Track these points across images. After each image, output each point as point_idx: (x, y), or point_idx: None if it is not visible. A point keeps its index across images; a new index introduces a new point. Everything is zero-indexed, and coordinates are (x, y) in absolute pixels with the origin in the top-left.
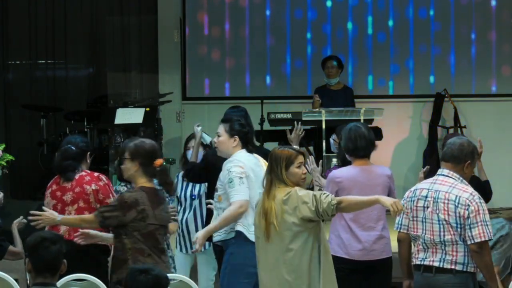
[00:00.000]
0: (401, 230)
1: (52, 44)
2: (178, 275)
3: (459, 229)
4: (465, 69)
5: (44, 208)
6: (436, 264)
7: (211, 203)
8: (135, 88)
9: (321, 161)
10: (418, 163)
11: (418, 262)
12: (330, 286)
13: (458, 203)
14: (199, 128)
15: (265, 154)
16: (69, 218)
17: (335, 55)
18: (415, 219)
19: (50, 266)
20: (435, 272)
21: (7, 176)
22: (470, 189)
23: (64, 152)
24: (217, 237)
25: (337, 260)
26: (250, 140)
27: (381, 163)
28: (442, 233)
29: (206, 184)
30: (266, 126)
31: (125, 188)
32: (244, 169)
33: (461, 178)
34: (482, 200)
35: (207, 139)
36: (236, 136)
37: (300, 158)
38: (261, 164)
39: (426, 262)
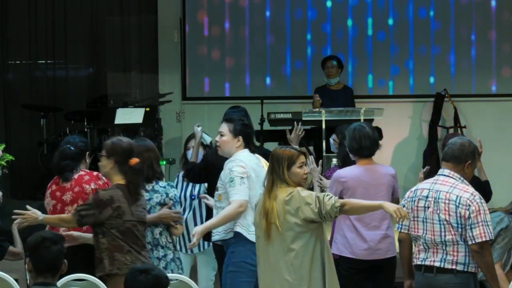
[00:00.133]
0: (402, 230)
1: (52, 44)
2: (178, 275)
3: (460, 229)
4: (465, 69)
5: (27, 207)
6: (437, 264)
7: (207, 198)
8: (135, 88)
9: (320, 161)
10: (418, 163)
11: (419, 262)
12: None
13: (459, 203)
14: (199, 128)
15: (264, 154)
16: (50, 217)
17: (335, 55)
18: (416, 219)
19: (50, 266)
20: (436, 272)
21: (7, 176)
22: (471, 189)
23: (62, 152)
24: (216, 237)
25: (342, 260)
26: (252, 139)
27: (381, 163)
28: (443, 233)
29: (206, 184)
30: (266, 126)
31: None
32: (245, 169)
33: (462, 178)
34: (483, 200)
35: (207, 139)
36: (240, 137)
37: (302, 158)
38: (262, 165)
39: (427, 262)
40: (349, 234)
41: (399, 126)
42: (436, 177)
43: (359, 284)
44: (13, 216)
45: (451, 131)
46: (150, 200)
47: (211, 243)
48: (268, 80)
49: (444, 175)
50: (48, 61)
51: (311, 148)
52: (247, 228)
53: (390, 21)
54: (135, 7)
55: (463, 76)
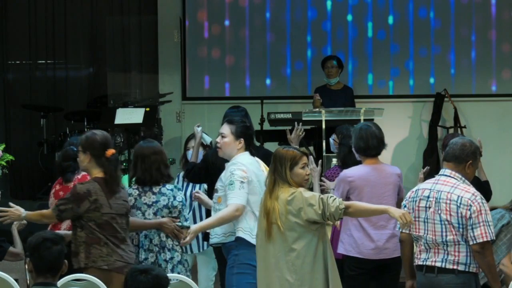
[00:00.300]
0: (403, 231)
1: (52, 44)
2: (178, 275)
3: (461, 230)
4: (465, 69)
5: (10, 204)
6: (438, 264)
7: (199, 193)
8: (135, 88)
9: (320, 161)
10: (418, 163)
11: (420, 263)
12: None
13: (460, 203)
14: (199, 129)
15: (264, 154)
16: (31, 213)
17: (335, 55)
18: (417, 219)
19: (51, 267)
20: (437, 273)
21: (7, 176)
22: (472, 189)
23: (65, 153)
24: (214, 239)
25: (349, 259)
26: (252, 142)
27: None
28: (444, 234)
29: (206, 184)
30: (266, 126)
31: (137, 192)
32: (247, 173)
33: (463, 178)
34: (484, 201)
35: (207, 139)
36: (242, 139)
37: (304, 159)
38: (262, 169)
39: (428, 263)
40: (356, 233)
41: (399, 126)
42: (437, 177)
43: (365, 285)
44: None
45: (451, 131)
46: (157, 203)
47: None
48: (268, 80)
49: (446, 175)
50: (48, 61)
51: (311, 148)
52: (250, 233)
53: (390, 21)
54: (135, 7)
55: (463, 76)
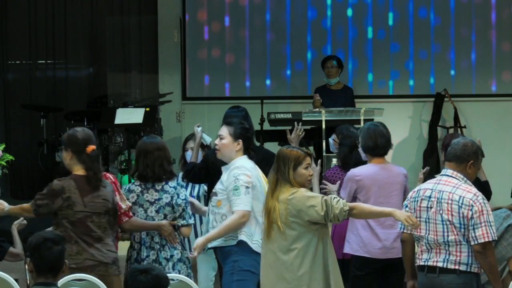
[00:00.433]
0: (405, 231)
1: (52, 44)
2: (178, 275)
3: (462, 230)
4: (465, 69)
5: None
6: (439, 264)
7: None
8: (135, 88)
9: (319, 160)
10: (418, 163)
11: (421, 263)
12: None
13: (462, 204)
14: (199, 129)
15: (264, 155)
16: (13, 207)
17: (335, 55)
18: (418, 219)
19: (52, 267)
20: (439, 273)
21: (7, 176)
22: (474, 189)
23: None
24: (213, 243)
25: (356, 259)
26: (251, 142)
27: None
28: (445, 234)
29: (204, 185)
30: (266, 126)
31: (139, 188)
32: (251, 178)
33: (465, 179)
34: (486, 201)
35: (207, 139)
36: (240, 140)
37: (308, 160)
38: (261, 175)
39: (430, 263)
40: (364, 233)
41: (399, 126)
42: (439, 177)
43: (372, 283)
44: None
45: (451, 131)
46: (159, 200)
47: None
48: (268, 80)
49: (447, 175)
50: (48, 61)
51: (311, 148)
52: (251, 238)
53: (390, 21)
54: (135, 7)
55: (463, 76)
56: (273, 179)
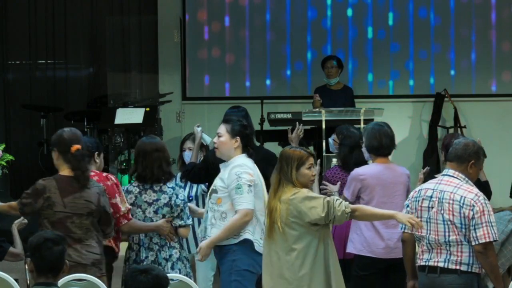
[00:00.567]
0: (406, 231)
1: (52, 44)
2: (178, 275)
3: (463, 230)
4: (465, 69)
5: None
6: (440, 264)
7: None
8: (135, 88)
9: (319, 160)
10: (418, 163)
11: (422, 263)
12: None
13: (463, 204)
14: (199, 129)
15: (264, 155)
16: (2, 205)
17: (335, 55)
18: (419, 219)
19: (52, 267)
20: (440, 273)
21: (7, 176)
22: (475, 189)
23: None
24: None
25: (359, 259)
26: (250, 141)
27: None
28: (446, 234)
29: (202, 185)
30: (266, 126)
31: (138, 189)
32: (253, 177)
33: (466, 179)
34: (487, 201)
35: (207, 139)
36: (238, 137)
37: (311, 160)
38: (260, 174)
39: (431, 263)
40: (367, 232)
41: (399, 126)
42: (440, 177)
43: (375, 283)
44: None
45: (451, 131)
46: (157, 201)
47: None
48: (268, 80)
49: (449, 175)
50: (48, 61)
51: (311, 148)
52: (253, 236)
53: (390, 21)
54: (135, 7)
55: (463, 76)
56: (276, 179)
